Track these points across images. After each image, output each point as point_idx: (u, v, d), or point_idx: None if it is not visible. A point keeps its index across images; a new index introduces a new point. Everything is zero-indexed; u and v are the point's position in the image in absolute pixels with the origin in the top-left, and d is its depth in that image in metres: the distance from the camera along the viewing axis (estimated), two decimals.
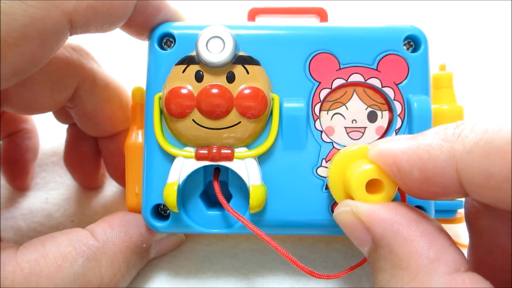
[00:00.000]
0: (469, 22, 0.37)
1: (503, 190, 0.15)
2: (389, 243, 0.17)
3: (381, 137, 0.24)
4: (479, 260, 0.20)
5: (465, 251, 0.21)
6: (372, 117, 0.24)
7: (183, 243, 0.27)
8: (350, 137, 0.24)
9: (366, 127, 0.24)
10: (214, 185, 0.23)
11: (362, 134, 0.24)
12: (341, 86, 0.23)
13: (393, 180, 0.18)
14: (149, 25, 0.23)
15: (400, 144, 0.18)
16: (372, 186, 0.19)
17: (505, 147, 0.15)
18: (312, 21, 0.25)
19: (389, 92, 0.23)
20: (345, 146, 0.23)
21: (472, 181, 0.16)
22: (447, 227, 0.27)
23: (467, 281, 0.16)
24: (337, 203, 0.23)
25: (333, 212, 0.23)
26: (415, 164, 0.17)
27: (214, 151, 0.22)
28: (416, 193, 0.18)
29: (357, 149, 0.20)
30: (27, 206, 0.30)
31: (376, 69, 0.23)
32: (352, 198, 0.19)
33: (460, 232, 0.28)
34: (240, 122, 0.22)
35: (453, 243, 0.17)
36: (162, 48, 0.23)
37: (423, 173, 0.17)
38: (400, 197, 0.21)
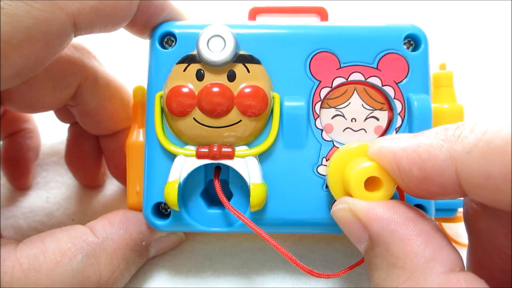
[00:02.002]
0: (469, 21, 0.37)
1: (502, 190, 0.15)
2: (386, 241, 0.17)
3: (381, 135, 0.24)
4: (478, 260, 0.20)
5: (465, 251, 0.21)
6: (372, 116, 0.24)
7: (183, 242, 0.27)
8: (350, 136, 0.24)
9: (366, 126, 0.24)
10: (215, 184, 0.23)
11: (362, 132, 0.24)
12: (341, 85, 0.23)
13: (392, 178, 0.18)
14: (151, 24, 0.23)
15: (401, 142, 0.18)
16: (371, 184, 0.19)
17: (504, 148, 0.15)
18: (313, 20, 0.26)
19: (389, 90, 0.23)
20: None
21: (471, 182, 0.16)
22: (447, 226, 0.27)
23: (462, 281, 0.16)
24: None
25: None
26: (415, 162, 0.17)
27: (215, 149, 0.22)
28: (415, 192, 0.18)
29: (357, 147, 0.20)
30: (27, 205, 0.30)
31: (377, 68, 0.23)
32: (350, 196, 0.19)
33: (460, 231, 0.28)
34: (240, 120, 0.22)
35: (449, 243, 0.17)
36: (163, 47, 0.23)
37: (422, 172, 0.17)
38: (399, 196, 0.21)
